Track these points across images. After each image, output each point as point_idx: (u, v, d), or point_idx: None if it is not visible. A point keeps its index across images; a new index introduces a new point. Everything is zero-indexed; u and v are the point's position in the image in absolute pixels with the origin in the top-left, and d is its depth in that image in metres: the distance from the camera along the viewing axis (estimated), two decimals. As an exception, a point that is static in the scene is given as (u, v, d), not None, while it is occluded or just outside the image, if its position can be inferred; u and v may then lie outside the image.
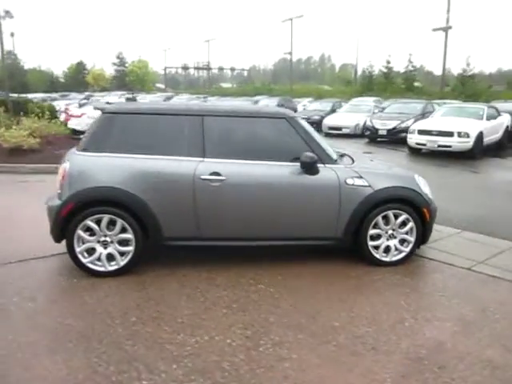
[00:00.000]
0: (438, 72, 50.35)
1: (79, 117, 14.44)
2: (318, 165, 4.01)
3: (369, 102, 21.28)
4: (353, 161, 4.48)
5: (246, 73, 78.06)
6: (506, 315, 3.36)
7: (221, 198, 3.90)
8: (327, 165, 4.09)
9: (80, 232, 3.79)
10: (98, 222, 3.80)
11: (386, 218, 4.19)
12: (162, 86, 63.81)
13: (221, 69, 65.66)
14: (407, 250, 4.29)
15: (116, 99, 20.21)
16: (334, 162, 4.16)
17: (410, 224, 4.22)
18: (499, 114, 13.31)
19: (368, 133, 15.42)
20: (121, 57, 68.33)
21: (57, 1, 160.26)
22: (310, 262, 4.31)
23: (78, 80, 62.71)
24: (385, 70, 38.67)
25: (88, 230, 3.82)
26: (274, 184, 3.99)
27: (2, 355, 2.77)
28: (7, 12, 24.92)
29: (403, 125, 14.24)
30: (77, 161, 3.90)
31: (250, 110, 4.40)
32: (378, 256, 4.23)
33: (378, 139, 15.05)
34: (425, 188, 4.40)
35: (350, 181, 4.07)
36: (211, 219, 3.96)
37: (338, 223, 4.09)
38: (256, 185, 3.96)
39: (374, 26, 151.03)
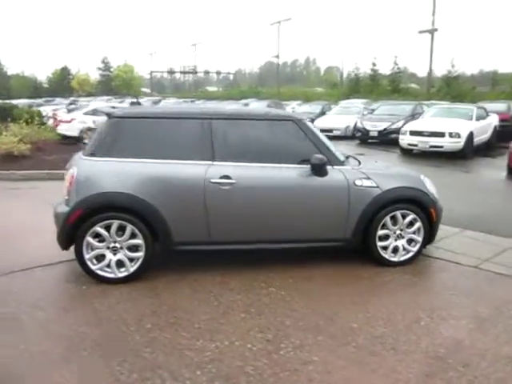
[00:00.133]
0: (421, 74, 51.14)
1: (69, 122, 14.28)
2: (327, 166, 4.02)
3: (358, 103, 21.48)
4: (359, 162, 4.50)
5: (231, 76, 78.03)
6: (519, 312, 3.40)
7: (231, 202, 3.88)
8: (335, 166, 4.10)
9: (89, 238, 3.73)
10: (108, 228, 3.74)
11: (393, 218, 4.22)
12: (147, 90, 63.37)
13: (207, 72, 65.42)
14: (415, 249, 4.32)
15: (103, 104, 20.03)
16: (342, 163, 4.18)
17: (418, 224, 4.25)
18: (488, 115, 13.54)
19: (359, 134, 15.56)
20: (106, 61, 67.94)
21: (40, 5, 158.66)
22: (320, 264, 4.30)
23: (63, 85, 62.20)
24: (371, 73, 39.13)
25: (97, 236, 3.77)
26: (283, 186, 3.98)
27: (15, 365, 2.70)
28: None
29: (394, 126, 14.40)
30: (84, 166, 3.84)
31: (259, 113, 4.40)
32: (386, 256, 4.26)
33: (369, 140, 15.19)
34: (431, 188, 4.44)
35: (358, 182, 4.09)
36: (221, 223, 3.93)
37: (347, 224, 4.11)
38: (266, 187, 3.95)
39: (359, 28, 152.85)
